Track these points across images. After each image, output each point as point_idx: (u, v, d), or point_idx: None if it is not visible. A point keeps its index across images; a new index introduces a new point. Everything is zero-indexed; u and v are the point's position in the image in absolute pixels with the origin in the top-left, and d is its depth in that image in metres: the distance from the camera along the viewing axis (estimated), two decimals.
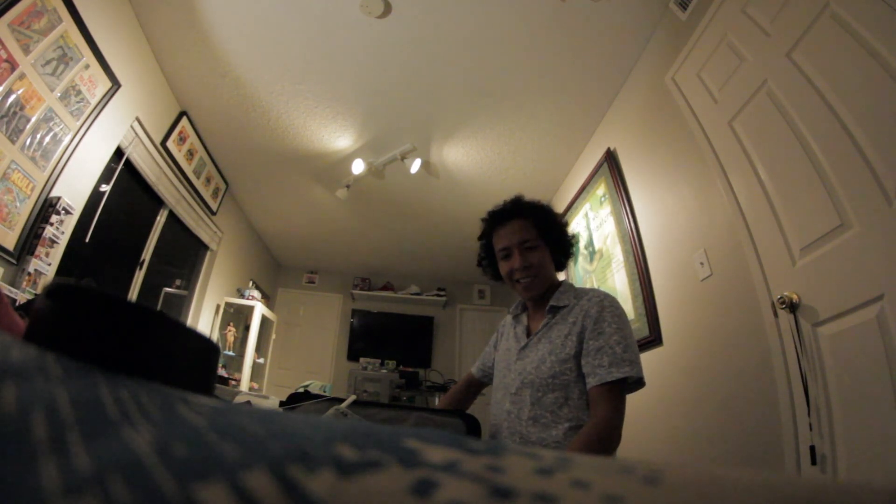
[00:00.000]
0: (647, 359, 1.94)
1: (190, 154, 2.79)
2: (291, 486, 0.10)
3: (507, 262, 1.12)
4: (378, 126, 2.73)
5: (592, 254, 2.53)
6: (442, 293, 5.00)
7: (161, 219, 2.80)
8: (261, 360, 4.09)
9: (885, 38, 1.02)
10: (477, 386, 1.33)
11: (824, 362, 1.12)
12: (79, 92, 1.82)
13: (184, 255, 3.22)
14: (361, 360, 4.41)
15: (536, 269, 1.08)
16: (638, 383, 0.97)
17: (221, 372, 3.38)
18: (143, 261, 2.68)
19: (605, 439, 0.87)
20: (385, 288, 5.10)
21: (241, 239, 3.93)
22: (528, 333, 1.12)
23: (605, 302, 1.03)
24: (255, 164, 3.18)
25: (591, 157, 2.65)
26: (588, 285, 2.55)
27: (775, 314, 1.27)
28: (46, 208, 1.74)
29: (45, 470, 0.10)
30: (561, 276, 2.94)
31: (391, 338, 4.90)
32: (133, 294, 2.61)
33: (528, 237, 1.09)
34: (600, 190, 2.46)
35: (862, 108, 1.07)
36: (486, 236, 1.19)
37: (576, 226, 2.78)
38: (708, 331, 1.57)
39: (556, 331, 1.05)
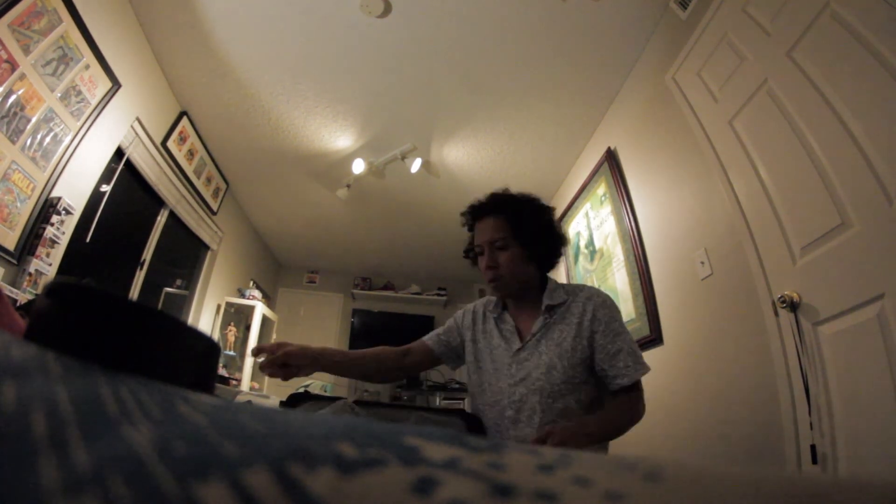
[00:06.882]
0: (648, 358, 1.93)
1: (190, 154, 2.79)
2: (292, 484, 0.10)
3: (480, 259, 1.10)
4: (378, 126, 2.73)
5: (593, 253, 2.53)
6: (442, 293, 5.00)
7: (161, 219, 2.80)
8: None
9: (886, 37, 1.01)
10: (428, 360, 1.21)
11: (825, 361, 1.12)
12: (79, 92, 1.82)
13: (184, 254, 3.22)
14: None
15: (503, 268, 1.05)
16: None
17: (222, 372, 3.38)
18: (144, 261, 2.68)
19: (629, 423, 0.97)
20: (386, 287, 5.09)
21: (241, 239, 3.93)
22: (521, 334, 1.09)
23: (608, 301, 1.07)
24: (256, 163, 3.18)
25: (592, 157, 2.65)
26: (589, 284, 2.55)
27: (776, 313, 1.27)
28: (47, 208, 1.74)
29: (45, 468, 0.09)
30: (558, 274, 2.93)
31: (392, 337, 4.84)
32: (133, 294, 2.61)
33: (499, 236, 1.05)
34: (601, 189, 2.46)
35: (862, 107, 1.07)
36: (471, 228, 1.16)
37: (576, 225, 2.78)
38: (708, 330, 1.57)
39: (558, 332, 1.04)
